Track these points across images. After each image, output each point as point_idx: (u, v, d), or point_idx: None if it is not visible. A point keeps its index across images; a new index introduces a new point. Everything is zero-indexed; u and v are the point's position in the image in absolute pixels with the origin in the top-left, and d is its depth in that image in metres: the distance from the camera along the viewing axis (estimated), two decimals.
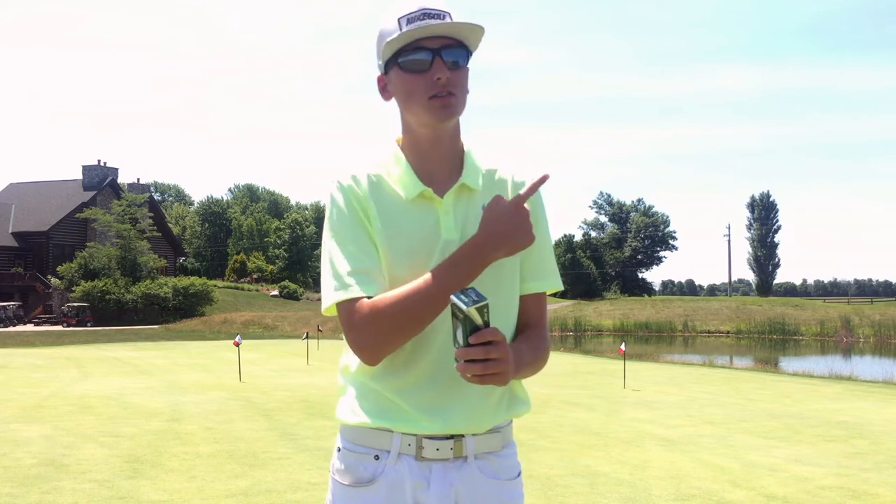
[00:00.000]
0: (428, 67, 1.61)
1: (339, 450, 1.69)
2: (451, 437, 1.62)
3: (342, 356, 1.75)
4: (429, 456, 1.61)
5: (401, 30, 1.61)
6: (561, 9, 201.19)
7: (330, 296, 1.59)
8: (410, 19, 1.60)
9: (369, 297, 1.56)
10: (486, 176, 1.72)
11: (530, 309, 1.74)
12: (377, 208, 1.63)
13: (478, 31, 1.63)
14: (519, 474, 1.73)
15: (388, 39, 1.62)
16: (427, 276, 1.55)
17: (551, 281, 1.75)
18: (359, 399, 1.67)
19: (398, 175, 1.68)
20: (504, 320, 1.67)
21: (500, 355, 1.43)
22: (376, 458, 1.63)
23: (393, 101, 1.71)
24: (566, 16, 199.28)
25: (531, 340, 1.71)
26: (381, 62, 1.70)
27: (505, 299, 1.68)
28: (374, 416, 1.63)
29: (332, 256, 1.61)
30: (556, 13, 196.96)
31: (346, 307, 1.57)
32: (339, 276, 1.58)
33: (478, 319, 1.42)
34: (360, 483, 1.64)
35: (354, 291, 1.56)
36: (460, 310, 1.42)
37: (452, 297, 1.43)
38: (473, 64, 1.72)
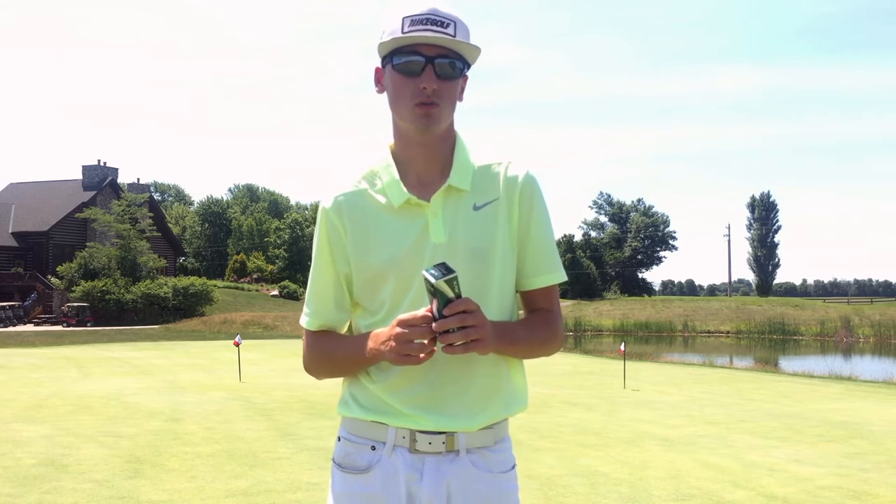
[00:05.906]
0: (419, 73, 1.61)
1: (339, 439, 1.77)
2: (444, 432, 1.66)
3: None
4: (421, 449, 1.66)
5: (402, 30, 1.60)
6: (561, 9, 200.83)
7: (301, 319, 1.82)
8: (414, 21, 1.59)
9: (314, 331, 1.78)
10: (477, 174, 1.71)
11: (538, 301, 1.78)
12: (353, 227, 1.70)
13: (473, 49, 1.64)
14: (513, 467, 1.75)
15: (382, 40, 1.63)
16: (355, 342, 1.70)
17: (554, 275, 1.77)
18: (355, 395, 1.74)
19: (386, 183, 1.70)
20: (498, 313, 1.69)
21: (475, 322, 1.51)
22: (373, 448, 1.70)
23: (385, 96, 1.71)
24: (566, 16, 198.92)
25: (529, 320, 1.76)
26: (379, 55, 1.70)
27: (496, 293, 1.70)
28: (368, 411, 1.71)
29: (309, 283, 1.81)
30: (556, 14, 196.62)
31: (304, 332, 1.81)
32: (307, 303, 1.80)
33: (449, 292, 1.48)
34: (357, 470, 1.71)
35: (305, 322, 1.78)
36: (431, 284, 1.48)
37: (424, 273, 1.50)
38: (474, 65, 1.71)
